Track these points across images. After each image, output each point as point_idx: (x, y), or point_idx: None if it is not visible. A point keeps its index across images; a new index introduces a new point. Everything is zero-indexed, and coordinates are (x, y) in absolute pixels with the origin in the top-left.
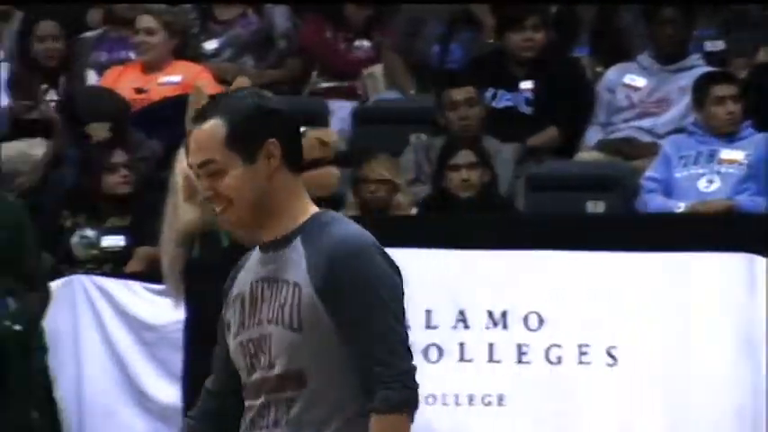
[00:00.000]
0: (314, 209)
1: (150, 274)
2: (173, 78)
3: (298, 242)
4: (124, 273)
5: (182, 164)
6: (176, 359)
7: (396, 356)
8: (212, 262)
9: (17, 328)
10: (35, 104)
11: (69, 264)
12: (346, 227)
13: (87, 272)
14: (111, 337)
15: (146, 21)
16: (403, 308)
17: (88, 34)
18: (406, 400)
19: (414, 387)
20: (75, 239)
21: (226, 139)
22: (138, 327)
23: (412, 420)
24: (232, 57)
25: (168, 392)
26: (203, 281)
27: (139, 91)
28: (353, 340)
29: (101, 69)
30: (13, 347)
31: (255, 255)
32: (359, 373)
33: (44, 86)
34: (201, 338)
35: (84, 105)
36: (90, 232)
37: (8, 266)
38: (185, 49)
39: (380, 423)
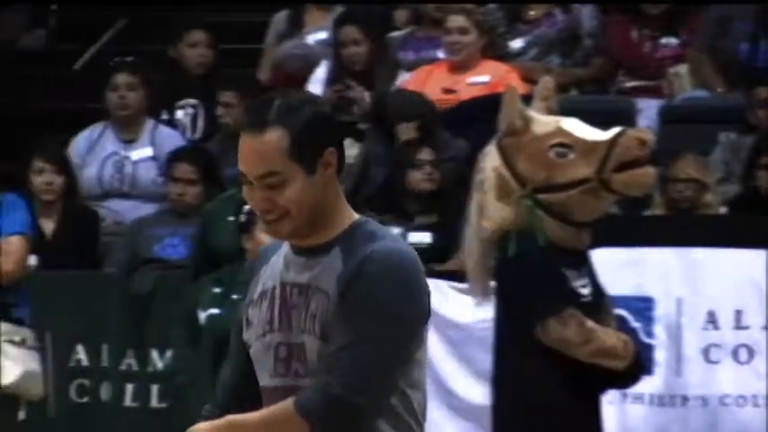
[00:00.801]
0: (354, 216)
1: (457, 273)
2: (482, 78)
3: (337, 252)
4: (433, 271)
5: (493, 162)
6: (481, 358)
7: (355, 386)
8: (529, 260)
9: None
10: (346, 105)
11: None
12: (392, 243)
13: None
14: None
15: (458, 20)
16: (408, 342)
17: (395, 34)
18: (315, 412)
19: (343, 416)
20: None
21: (288, 150)
22: (443, 325)
23: None
24: (537, 56)
25: (475, 391)
26: (517, 280)
27: (449, 91)
28: (334, 348)
29: (408, 69)
30: None
31: (286, 253)
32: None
33: (359, 88)
34: (512, 338)
35: (392, 106)
36: (396, 230)
37: None
38: (490, 48)
39: (283, 410)
